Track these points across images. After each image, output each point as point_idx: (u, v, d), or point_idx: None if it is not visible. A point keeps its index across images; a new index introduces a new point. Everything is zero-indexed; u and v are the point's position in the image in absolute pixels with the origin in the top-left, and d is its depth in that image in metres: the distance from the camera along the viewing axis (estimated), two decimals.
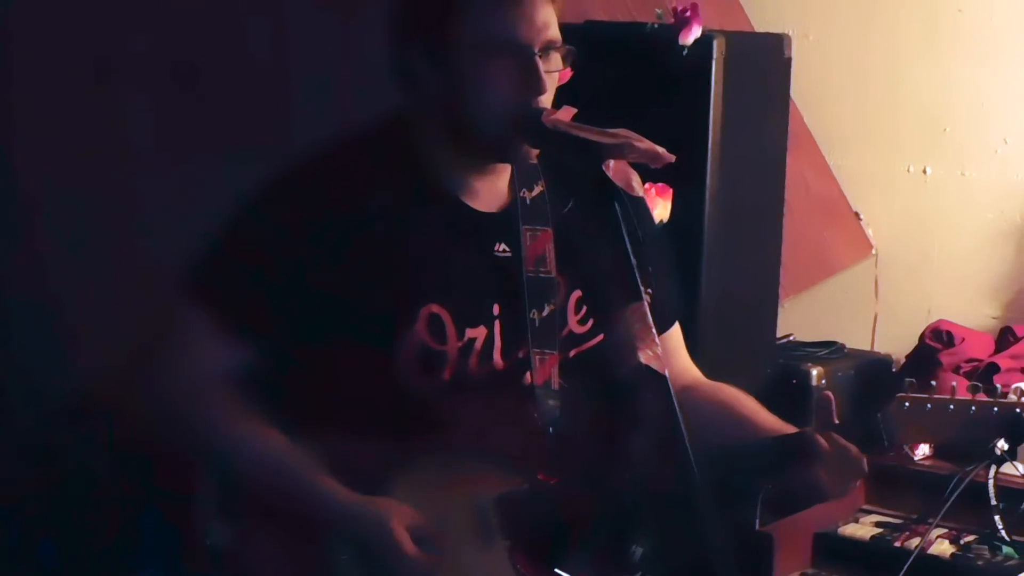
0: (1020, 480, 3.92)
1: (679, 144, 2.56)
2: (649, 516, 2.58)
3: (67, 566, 3.83)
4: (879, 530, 4.02)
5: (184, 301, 2.59)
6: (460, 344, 2.56)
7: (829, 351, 4.68)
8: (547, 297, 2.64)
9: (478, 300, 2.60)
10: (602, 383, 2.64)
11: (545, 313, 2.63)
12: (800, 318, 4.98)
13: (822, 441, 2.51)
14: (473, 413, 2.54)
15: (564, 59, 2.57)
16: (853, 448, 2.52)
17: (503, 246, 2.63)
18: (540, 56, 2.52)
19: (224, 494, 2.58)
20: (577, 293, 2.68)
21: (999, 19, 4.83)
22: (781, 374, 4.43)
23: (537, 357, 2.62)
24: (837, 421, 2.56)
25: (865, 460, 2.53)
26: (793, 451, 2.54)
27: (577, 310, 2.68)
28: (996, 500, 3.90)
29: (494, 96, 2.51)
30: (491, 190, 2.65)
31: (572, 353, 2.67)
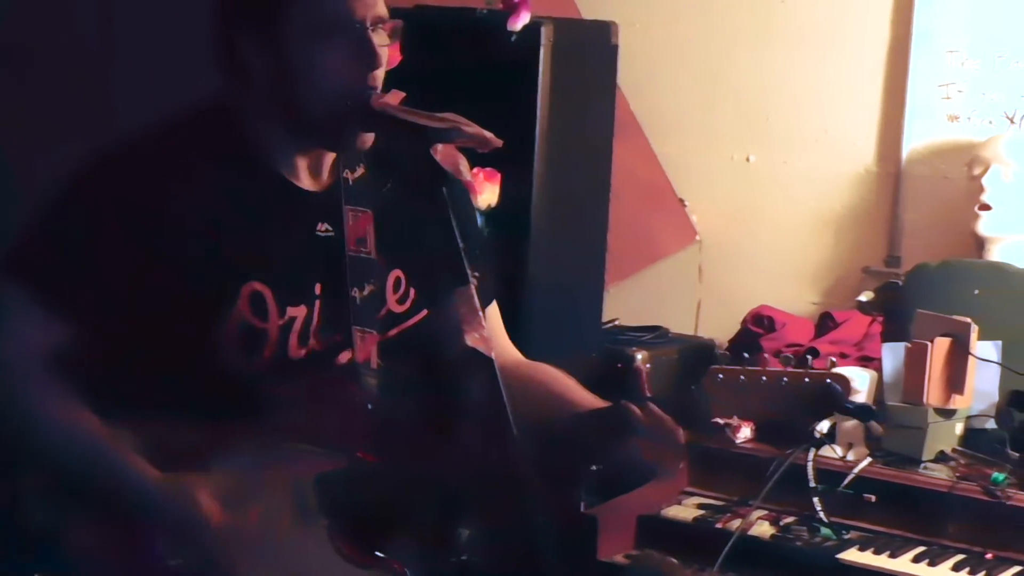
0: (838, 463, 4.00)
1: (507, 129, 2.57)
2: (474, 498, 2.60)
3: None
4: (701, 512, 4.07)
5: (2, 283, 2.55)
6: (281, 322, 2.55)
7: (654, 336, 4.72)
8: (368, 276, 2.64)
9: (300, 278, 2.59)
10: (423, 362, 2.66)
11: (366, 292, 2.64)
12: (625, 303, 5.03)
13: (635, 410, 2.54)
14: (293, 391, 2.53)
15: (392, 34, 2.57)
16: (668, 419, 2.55)
17: (325, 225, 2.63)
18: (372, 30, 2.52)
19: (44, 479, 2.55)
20: (396, 273, 2.69)
21: (821, 10, 4.92)
22: (607, 358, 4.47)
23: (358, 335, 2.62)
24: (649, 394, 2.60)
25: (681, 431, 2.56)
26: (609, 423, 2.58)
27: (395, 290, 2.69)
28: (815, 482, 3.97)
29: (327, 75, 2.50)
30: (316, 169, 2.64)
31: (392, 332, 2.67)
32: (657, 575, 3.78)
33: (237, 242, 2.53)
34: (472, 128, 2.48)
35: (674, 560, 3.84)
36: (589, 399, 2.73)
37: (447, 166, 2.47)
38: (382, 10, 2.55)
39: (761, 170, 5.07)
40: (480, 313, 2.36)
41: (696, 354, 4.68)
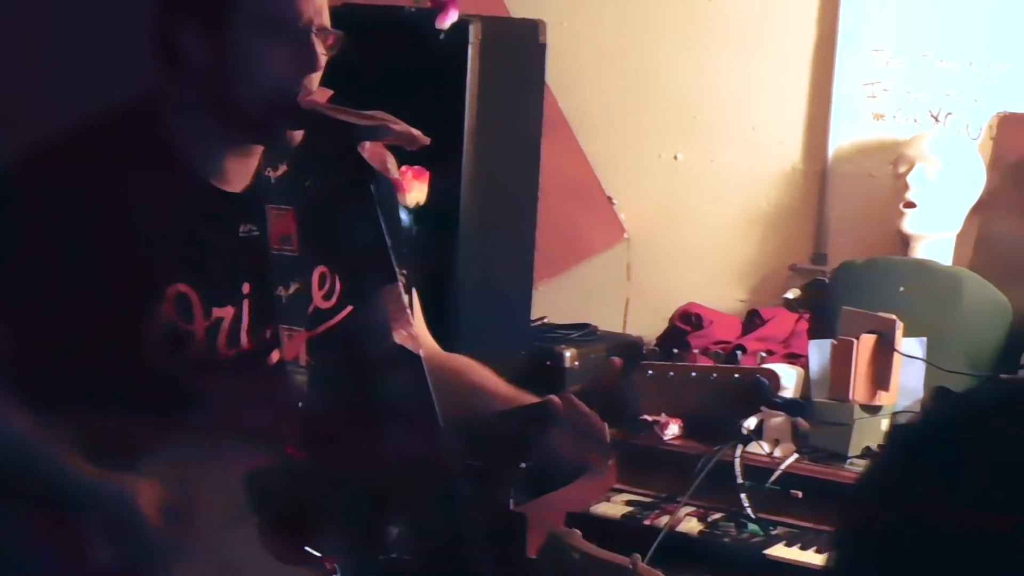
0: (765, 459, 4.02)
1: (435, 127, 2.58)
2: (404, 495, 2.60)
3: None
4: (630, 509, 4.08)
5: None
6: (208, 323, 2.55)
7: (582, 333, 4.74)
8: (293, 275, 2.65)
9: (226, 279, 2.59)
10: (352, 359, 2.66)
11: (292, 290, 2.64)
12: (554, 301, 5.04)
13: (559, 404, 2.56)
14: (222, 390, 2.53)
15: (332, 47, 2.58)
16: (594, 415, 2.57)
17: (249, 226, 2.63)
18: (315, 35, 2.53)
19: None
20: (320, 269, 2.69)
21: (748, 9, 4.94)
22: (535, 356, 4.48)
23: (285, 333, 2.62)
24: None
25: (607, 426, 2.58)
26: (535, 418, 2.59)
27: (321, 286, 2.70)
28: (742, 479, 3.99)
29: (265, 72, 2.50)
30: (240, 170, 2.64)
31: (320, 329, 2.68)
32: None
33: (160, 244, 2.53)
34: (400, 126, 2.48)
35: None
36: (505, 389, 2.75)
37: (375, 164, 2.48)
38: (326, 20, 2.56)
39: (689, 168, 5.09)
40: (408, 311, 2.37)
41: (624, 352, 4.67)
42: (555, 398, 2.59)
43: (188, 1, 2.55)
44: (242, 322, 2.59)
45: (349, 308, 2.71)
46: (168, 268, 2.54)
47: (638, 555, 2.78)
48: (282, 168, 2.68)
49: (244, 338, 2.59)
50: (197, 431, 2.51)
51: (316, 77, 2.55)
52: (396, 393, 2.49)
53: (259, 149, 2.65)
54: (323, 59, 2.55)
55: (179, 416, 2.50)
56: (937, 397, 4.10)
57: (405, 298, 2.38)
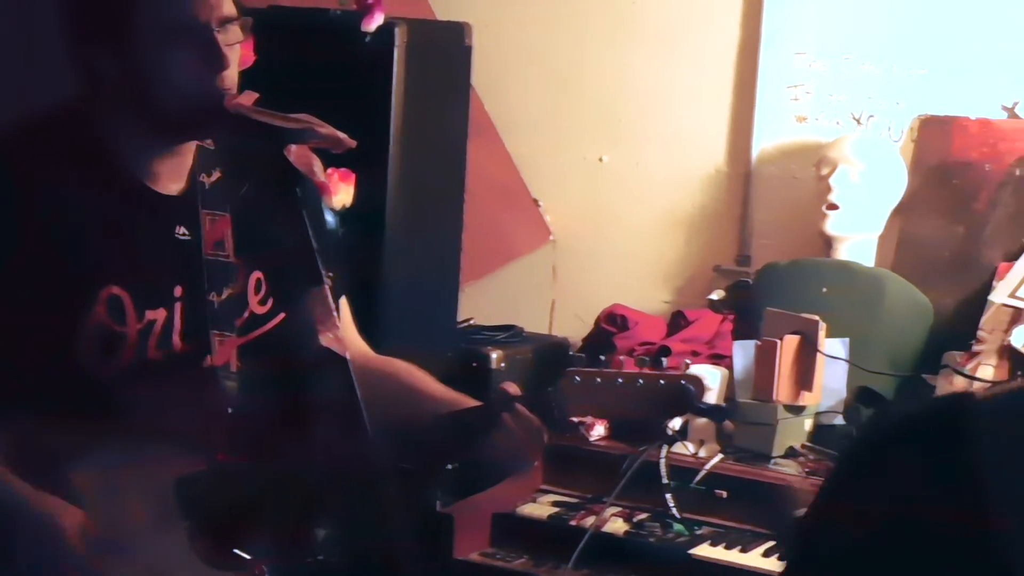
0: (690, 459, 4.04)
1: (361, 130, 2.59)
2: (331, 498, 2.60)
3: None
4: (556, 509, 4.09)
5: None
6: (140, 326, 2.55)
7: (508, 335, 4.75)
8: (226, 280, 2.65)
9: (158, 282, 2.59)
10: (283, 364, 2.66)
11: (224, 296, 2.64)
12: (480, 303, 5.05)
13: (507, 405, 2.58)
14: (153, 395, 2.53)
15: (243, 29, 2.58)
16: (534, 418, 2.59)
17: (183, 229, 2.63)
18: (218, 31, 2.53)
19: None
20: (257, 274, 2.69)
21: (671, 12, 4.96)
22: (462, 358, 4.49)
23: (217, 339, 2.62)
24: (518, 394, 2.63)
25: (545, 430, 2.60)
26: (479, 420, 2.61)
27: (257, 291, 2.70)
28: (667, 479, 4.01)
29: (178, 79, 2.50)
30: (173, 173, 2.64)
31: (253, 335, 2.68)
32: None
33: (93, 246, 2.53)
34: (326, 129, 2.49)
35: None
36: (441, 391, 2.76)
37: (301, 167, 2.48)
38: (229, 9, 2.56)
39: (614, 170, 5.10)
40: (335, 313, 2.37)
41: (550, 353, 4.71)
42: (506, 390, 2.61)
43: (90, 20, 2.55)
44: (174, 325, 2.59)
45: (281, 315, 2.71)
46: (102, 270, 2.53)
47: None
48: (216, 174, 2.68)
49: (176, 341, 2.59)
50: (127, 435, 2.50)
51: (231, 74, 2.55)
52: (323, 396, 2.49)
53: (191, 149, 2.65)
54: (232, 52, 2.55)
55: (109, 420, 2.49)
56: (860, 397, 4.13)
57: (331, 301, 2.38)
